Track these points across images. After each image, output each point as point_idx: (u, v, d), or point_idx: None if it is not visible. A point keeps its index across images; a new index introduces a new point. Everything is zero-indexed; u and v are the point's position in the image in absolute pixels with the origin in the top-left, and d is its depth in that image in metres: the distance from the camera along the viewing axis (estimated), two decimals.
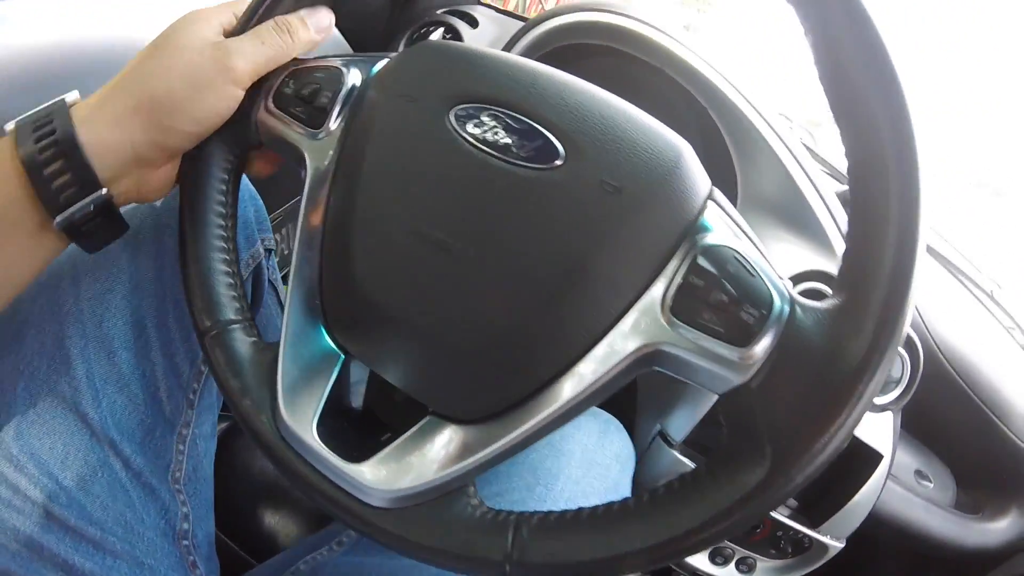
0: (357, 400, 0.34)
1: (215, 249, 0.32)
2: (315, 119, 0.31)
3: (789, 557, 0.59)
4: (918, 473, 0.70)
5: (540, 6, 0.80)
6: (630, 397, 0.57)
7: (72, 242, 0.31)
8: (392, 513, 0.25)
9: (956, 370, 0.65)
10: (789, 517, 0.56)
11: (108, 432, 0.36)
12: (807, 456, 0.21)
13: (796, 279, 0.49)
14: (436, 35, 0.68)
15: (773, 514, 0.54)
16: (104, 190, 0.30)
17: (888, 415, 0.55)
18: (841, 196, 0.54)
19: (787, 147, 0.50)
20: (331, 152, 0.30)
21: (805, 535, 0.56)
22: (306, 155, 0.31)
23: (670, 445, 0.51)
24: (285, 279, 0.32)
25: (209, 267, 0.31)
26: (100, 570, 0.34)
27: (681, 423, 0.50)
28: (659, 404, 0.52)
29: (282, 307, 0.49)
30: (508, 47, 0.58)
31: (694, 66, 0.50)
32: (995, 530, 0.72)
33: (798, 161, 0.50)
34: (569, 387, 0.24)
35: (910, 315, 0.21)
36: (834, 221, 0.51)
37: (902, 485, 0.67)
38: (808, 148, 0.65)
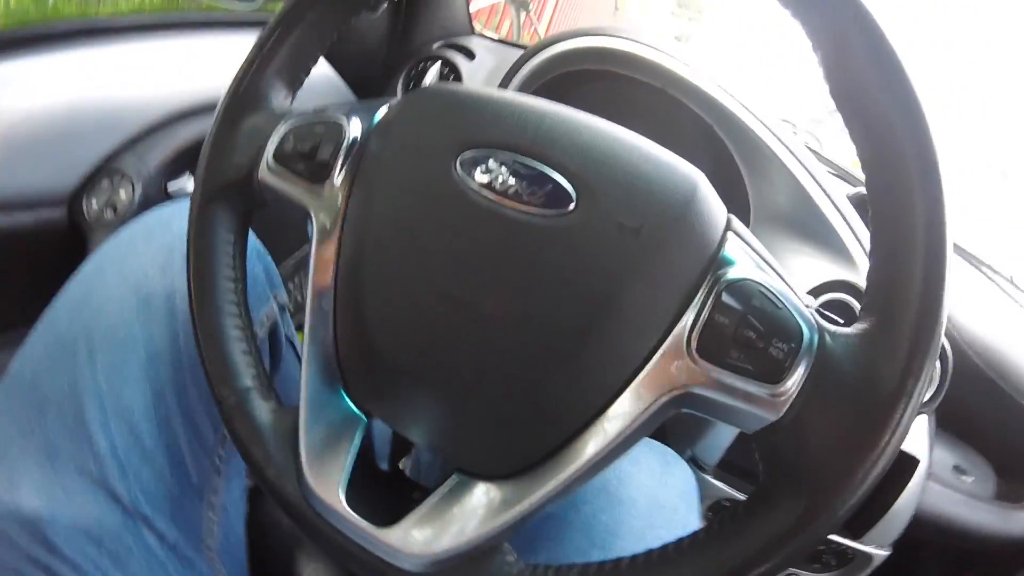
0: (382, 461, 0.34)
1: (226, 315, 0.31)
2: (318, 174, 0.30)
3: (833, 570, 0.58)
4: (956, 468, 0.69)
5: (533, 28, 0.80)
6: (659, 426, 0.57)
7: None
8: None
9: (983, 362, 0.64)
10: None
11: (139, 507, 0.36)
12: (848, 489, 0.21)
13: (818, 291, 0.49)
14: (434, 70, 0.68)
15: None
16: None
17: (922, 418, 0.54)
18: (853, 198, 0.53)
19: (796, 158, 0.49)
20: (337, 208, 0.29)
21: (848, 547, 0.55)
22: (311, 212, 0.30)
23: (703, 470, 0.50)
24: (300, 328, 0.32)
25: (222, 334, 0.31)
26: None
27: (711, 448, 0.49)
28: (687, 430, 0.51)
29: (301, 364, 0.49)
30: (508, 77, 0.58)
31: (696, 84, 0.49)
32: None
33: (808, 171, 0.49)
34: (598, 438, 0.24)
35: (942, 335, 0.21)
36: (849, 228, 0.50)
37: (941, 483, 0.65)
38: (815, 152, 0.65)
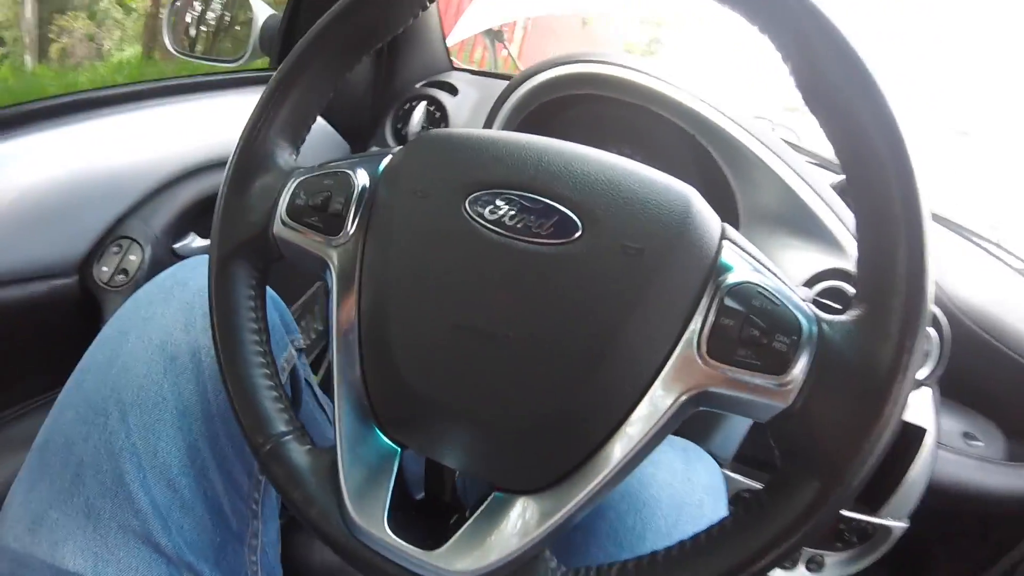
0: (416, 490, 0.35)
1: (254, 365, 0.33)
2: (332, 226, 0.31)
3: (856, 546, 0.59)
4: (966, 435, 0.70)
5: (507, 53, 0.82)
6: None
7: None
8: None
9: (981, 328, 0.66)
10: (848, 509, 0.56)
11: (184, 557, 0.37)
12: (857, 461, 0.22)
13: (812, 281, 0.51)
14: (420, 110, 0.70)
15: None
16: None
17: (926, 390, 0.55)
18: (837, 187, 0.55)
19: (777, 156, 0.51)
20: (354, 256, 0.31)
21: (867, 522, 0.57)
22: (329, 262, 0.31)
23: (720, 465, 0.52)
24: (315, 369, 0.33)
25: (252, 386, 0.32)
26: None
27: (726, 443, 0.51)
28: (702, 428, 0.53)
29: (319, 403, 0.50)
30: (495, 110, 0.60)
31: (674, 97, 0.51)
32: None
33: (790, 168, 0.51)
34: (623, 443, 0.26)
35: (928, 313, 0.23)
36: (836, 216, 0.52)
37: (952, 451, 0.67)
38: (793, 145, 0.67)
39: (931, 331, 0.52)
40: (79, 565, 0.34)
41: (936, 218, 0.75)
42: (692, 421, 0.27)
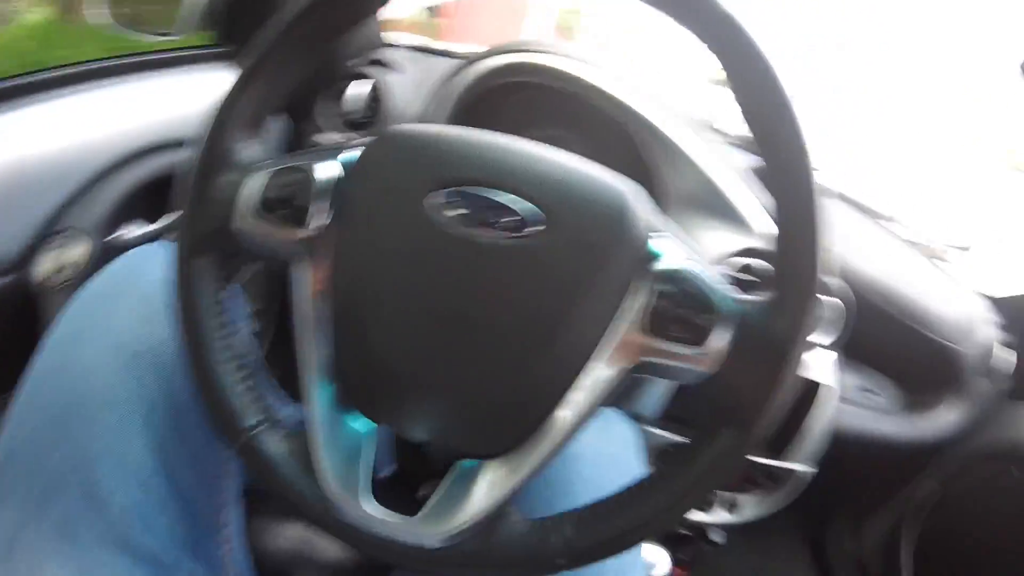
0: (382, 467, 0.38)
1: (221, 361, 0.33)
2: (298, 218, 0.32)
3: (770, 491, 0.67)
4: (865, 390, 0.79)
5: (440, 23, 0.81)
6: None
7: None
8: (455, 548, 0.30)
9: (880, 299, 0.74)
10: (758, 455, 0.64)
11: (164, 557, 0.36)
12: (762, 414, 0.28)
13: (728, 258, 0.56)
14: (355, 88, 0.69)
15: None
16: None
17: (829, 353, 0.63)
18: (757, 171, 0.61)
19: (697, 144, 0.56)
20: (323, 247, 0.32)
21: (775, 467, 0.64)
22: (297, 253, 0.32)
23: (647, 424, 0.58)
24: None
25: (219, 381, 0.33)
26: None
27: (651, 405, 0.57)
28: (628, 392, 0.59)
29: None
30: (439, 93, 0.62)
31: (606, 89, 0.55)
32: (942, 420, 0.82)
33: (708, 155, 0.56)
34: (571, 409, 0.30)
35: (815, 294, 0.28)
36: (747, 199, 0.58)
37: (852, 403, 0.76)
38: (716, 130, 0.72)
39: (838, 302, 0.59)
40: None
41: (843, 199, 0.83)
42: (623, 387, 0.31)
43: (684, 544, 0.75)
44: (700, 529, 0.73)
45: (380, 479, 0.33)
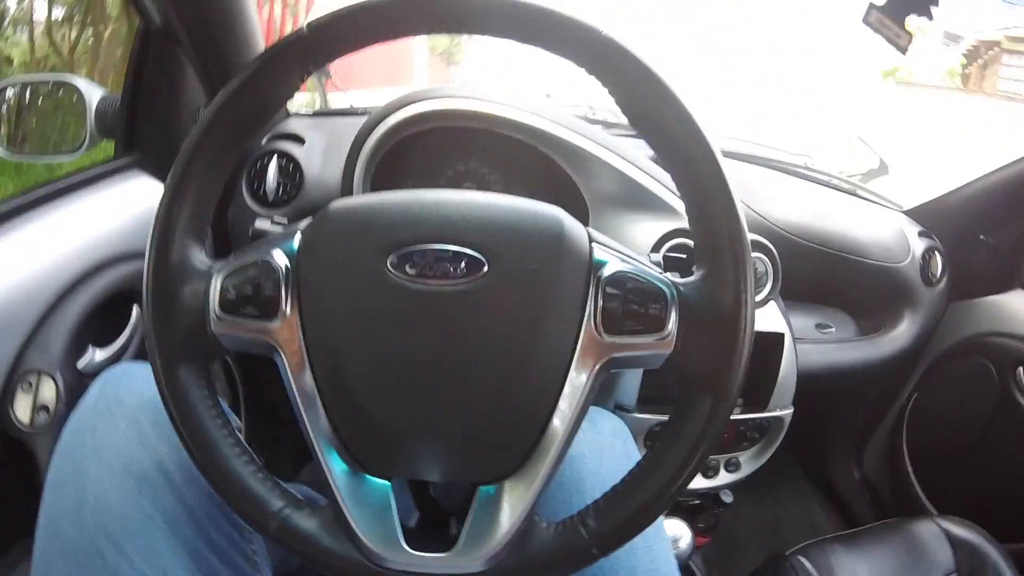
0: (407, 518, 0.40)
1: (232, 457, 0.34)
2: (269, 310, 0.33)
3: (758, 441, 0.71)
4: (819, 326, 0.85)
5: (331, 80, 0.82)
6: None
7: None
8: (498, 566, 0.32)
9: (807, 239, 0.80)
10: (741, 413, 0.68)
11: None
12: (731, 375, 0.30)
13: (659, 243, 0.61)
14: (272, 166, 0.71)
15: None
16: None
17: (772, 303, 0.68)
18: (655, 159, 0.65)
19: (605, 147, 0.60)
20: (296, 332, 0.33)
21: (759, 419, 0.68)
22: (274, 343, 0.33)
23: (629, 412, 0.61)
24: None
25: (237, 477, 0.34)
26: None
27: (628, 393, 0.60)
28: (607, 389, 0.62)
29: None
30: (353, 154, 0.64)
31: (517, 119, 0.59)
32: (898, 334, 0.88)
33: (617, 155, 0.60)
34: (560, 417, 0.32)
35: (751, 260, 0.31)
36: (662, 185, 0.62)
37: (811, 341, 0.81)
38: (608, 124, 0.77)
39: (763, 257, 0.63)
40: None
41: (754, 159, 0.89)
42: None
43: (700, 513, 0.78)
44: (710, 495, 0.76)
45: (409, 528, 0.34)
